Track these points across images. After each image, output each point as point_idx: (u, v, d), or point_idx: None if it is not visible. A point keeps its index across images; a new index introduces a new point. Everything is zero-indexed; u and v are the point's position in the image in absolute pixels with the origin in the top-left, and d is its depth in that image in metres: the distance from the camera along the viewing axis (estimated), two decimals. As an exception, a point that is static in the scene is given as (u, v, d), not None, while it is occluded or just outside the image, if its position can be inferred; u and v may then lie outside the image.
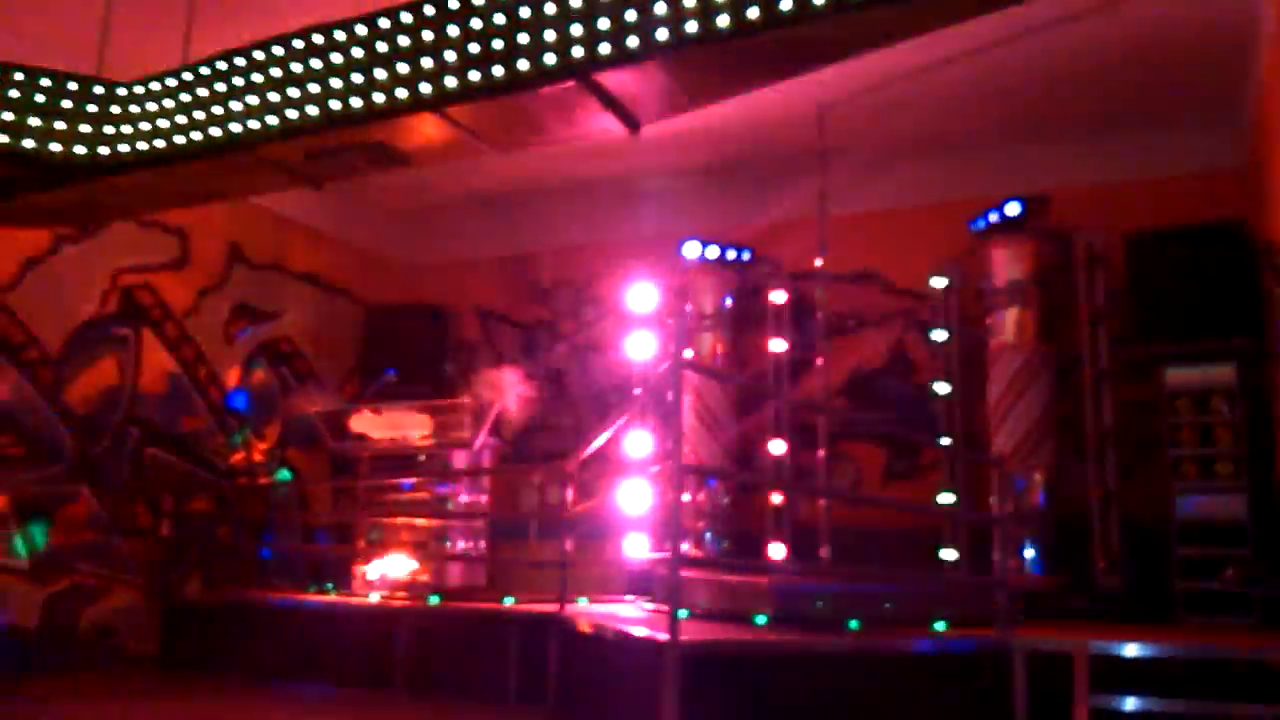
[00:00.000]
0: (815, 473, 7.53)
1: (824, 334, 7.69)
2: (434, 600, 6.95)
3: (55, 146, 5.29)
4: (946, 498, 7.43)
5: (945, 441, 7.50)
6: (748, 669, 4.51)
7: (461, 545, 7.59)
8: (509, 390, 7.90)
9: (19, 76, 5.31)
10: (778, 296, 7.80)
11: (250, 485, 8.33)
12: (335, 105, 4.63)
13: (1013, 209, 7.15)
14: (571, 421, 8.94)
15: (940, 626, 5.31)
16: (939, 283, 7.80)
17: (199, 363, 8.00)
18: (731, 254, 8.00)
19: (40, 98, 5.33)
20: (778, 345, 7.74)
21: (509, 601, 6.75)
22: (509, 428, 8.33)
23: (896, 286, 8.16)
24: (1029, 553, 6.90)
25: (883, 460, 8.03)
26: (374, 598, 7.19)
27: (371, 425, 7.70)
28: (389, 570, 7.45)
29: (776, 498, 7.56)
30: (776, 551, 7.24)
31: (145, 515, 7.48)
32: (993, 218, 7.27)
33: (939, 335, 7.74)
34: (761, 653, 4.62)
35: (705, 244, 7.93)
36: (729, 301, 8.14)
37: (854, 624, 5.17)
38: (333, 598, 7.46)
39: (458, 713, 5.95)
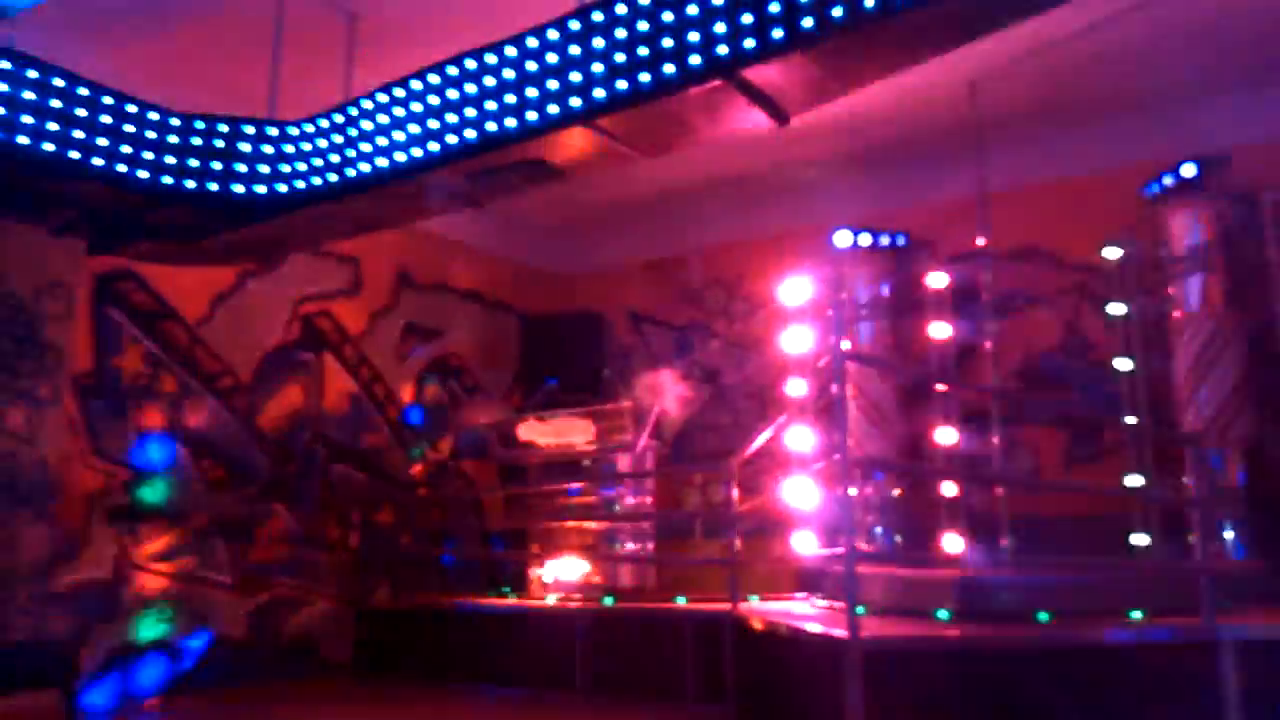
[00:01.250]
0: (990, 461, 7.25)
1: (990, 316, 7.39)
2: (608, 601, 7.09)
3: (238, 188, 5.70)
4: (1135, 480, 7.01)
5: (1131, 421, 7.07)
6: (931, 665, 4.38)
7: (629, 546, 7.70)
8: (667, 392, 7.98)
9: (200, 125, 5.76)
10: (938, 280, 7.55)
11: (428, 496, 8.71)
12: (491, 127, 4.80)
13: (1188, 170, 6.68)
14: (730, 420, 8.93)
15: (1136, 615, 5.01)
16: (1112, 254, 7.35)
17: (376, 382, 8.44)
18: (886, 240, 7.80)
19: (220, 143, 5.76)
20: (941, 331, 7.49)
21: (681, 601, 6.80)
22: (669, 429, 8.42)
23: (1065, 261, 7.76)
24: (1228, 535, 6.43)
25: (1062, 444, 7.66)
26: (550, 600, 7.39)
27: (537, 433, 7.93)
28: (563, 573, 7.64)
29: (950, 489, 7.31)
30: (952, 544, 7.00)
31: (335, 528, 7.94)
32: (1167, 181, 6.81)
33: (1116, 309, 7.30)
34: (946, 648, 4.48)
35: (858, 232, 7.76)
36: (886, 289, 7.94)
37: (1044, 616, 4.94)
38: (511, 601, 7.72)
39: (640, 713, 6.04)
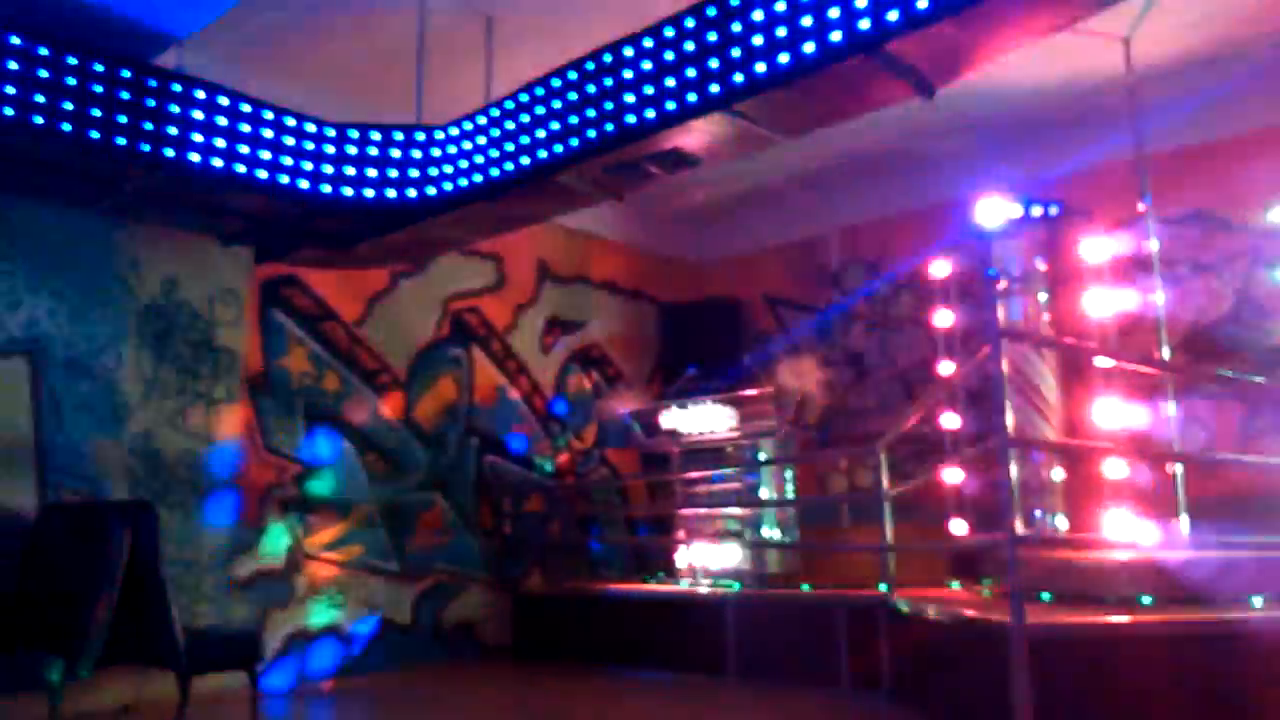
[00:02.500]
0: (1158, 437, 6.85)
1: (1154, 286, 6.98)
2: (757, 587, 7.08)
3: (390, 193, 5.94)
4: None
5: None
6: (1103, 652, 4.20)
7: (776, 532, 7.66)
8: (808, 376, 7.88)
9: (353, 134, 6.02)
10: (1097, 250, 7.18)
11: (575, 484, 8.90)
12: (630, 119, 4.83)
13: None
14: (875, 402, 8.75)
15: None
16: (1283, 215, 6.84)
17: (522, 374, 8.67)
18: (1038, 210, 7.46)
19: (373, 151, 6.01)
20: (1101, 303, 7.13)
21: (831, 587, 6.72)
22: (811, 413, 8.32)
23: (1234, 224, 7.26)
24: None
25: (1237, 418, 7.18)
26: (699, 586, 7.43)
27: (680, 420, 7.96)
28: (710, 559, 7.68)
29: (1116, 469, 6.96)
30: (1118, 526, 6.67)
31: (488, 517, 8.21)
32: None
33: (1291, 273, 6.79)
34: (1120, 635, 4.28)
35: (1007, 202, 7.45)
36: (1039, 262, 7.60)
37: (1258, 600, 4.62)
38: (660, 587, 7.81)
39: (796, 698, 6.02)
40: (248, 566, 6.67)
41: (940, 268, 7.19)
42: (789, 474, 7.79)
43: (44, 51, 5.06)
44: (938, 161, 8.15)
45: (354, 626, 7.19)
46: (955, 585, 6.66)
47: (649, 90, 4.77)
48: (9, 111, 4.92)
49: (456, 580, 7.87)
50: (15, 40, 4.99)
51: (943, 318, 7.25)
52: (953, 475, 6.53)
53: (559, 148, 5.16)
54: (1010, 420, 4.82)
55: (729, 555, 7.60)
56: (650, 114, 4.76)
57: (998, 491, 4.73)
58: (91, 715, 5.41)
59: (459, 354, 8.21)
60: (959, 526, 6.56)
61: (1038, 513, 7.28)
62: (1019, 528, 4.66)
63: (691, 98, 4.63)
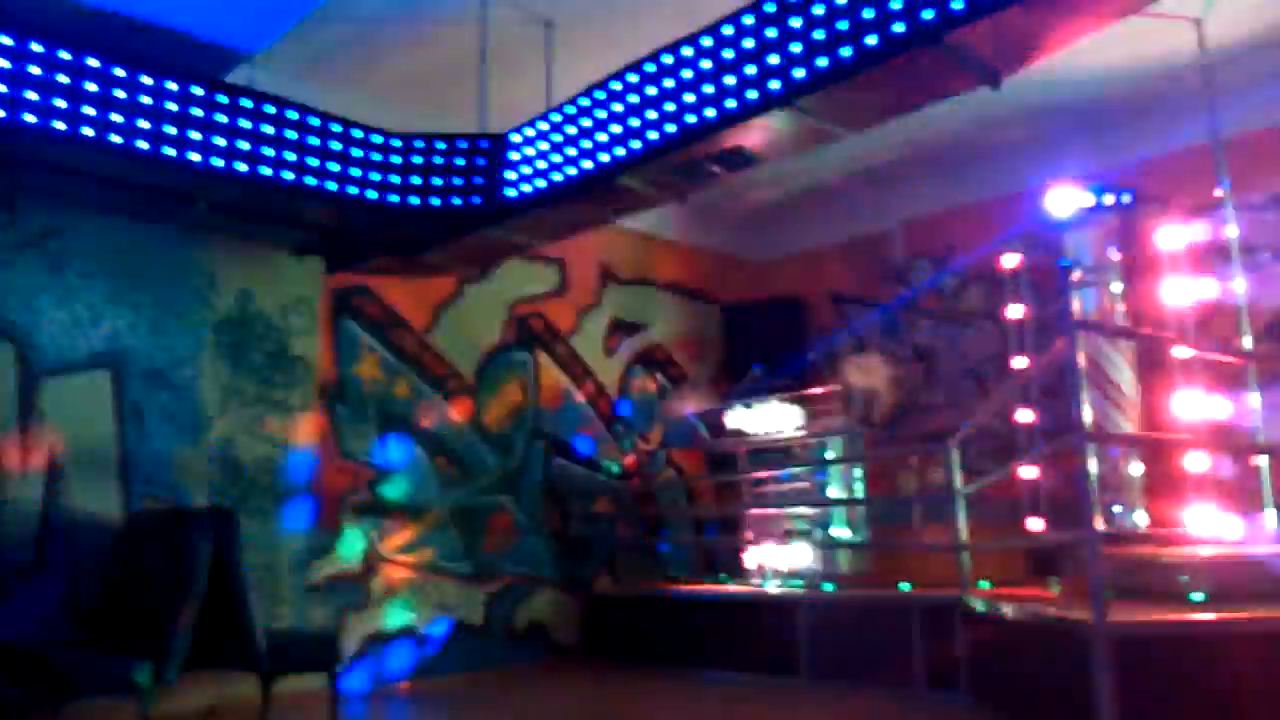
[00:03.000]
0: (1241, 429, 6.62)
1: (1233, 273, 6.75)
2: (828, 588, 7.01)
3: (456, 201, 6.02)
4: None
5: None
6: (1188, 651, 4.07)
7: (846, 532, 7.58)
8: (876, 373, 7.79)
9: (419, 144, 6.12)
10: (1173, 238, 6.97)
11: (642, 485, 8.92)
12: (691, 119, 4.83)
13: None
14: (945, 399, 8.61)
15: None
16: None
17: (587, 377, 8.72)
18: (1110, 198, 7.26)
19: (438, 160, 6.10)
20: (1179, 292, 6.92)
21: (904, 587, 6.63)
22: (880, 411, 8.22)
23: (1319, 207, 6.99)
24: None
25: (1326, 409, 6.89)
26: (769, 587, 7.39)
27: (745, 420, 7.94)
28: (779, 559, 7.63)
29: (1197, 462, 6.74)
30: (1201, 522, 6.46)
31: (557, 519, 8.27)
32: None
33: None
34: (1205, 633, 4.14)
35: (1078, 191, 7.27)
36: (1112, 251, 7.41)
37: None
38: (729, 588, 7.78)
39: (870, 699, 5.95)
40: (325, 570, 6.81)
41: (1010, 260, 7.05)
42: (858, 472, 7.71)
43: (120, 72, 5.23)
44: (1005, 151, 7.98)
45: (428, 628, 7.30)
46: (1050, 583, 6.49)
47: (709, 89, 4.76)
48: (88, 131, 5.10)
49: (527, 582, 7.94)
50: (93, 62, 5.17)
51: (1013, 311, 7.11)
52: (1027, 471, 6.40)
53: (621, 150, 5.18)
54: (1087, 414, 4.70)
55: (798, 555, 7.54)
56: (711, 113, 4.75)
57: (1075, 488, 4.63)
58: (177, 718, 5.55)
59: (524, 358, 8.29)
60: (1035, 524, 6.42)
61: (1117, 508, 7.10)
62: (1099, 524, 4.53)
63: (752, 95, 4.61)
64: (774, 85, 4.51)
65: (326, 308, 7.08)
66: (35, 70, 4.96)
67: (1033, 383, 6.50)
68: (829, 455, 7.65)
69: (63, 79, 5.04)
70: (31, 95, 4.94)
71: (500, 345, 8.14)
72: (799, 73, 4.41)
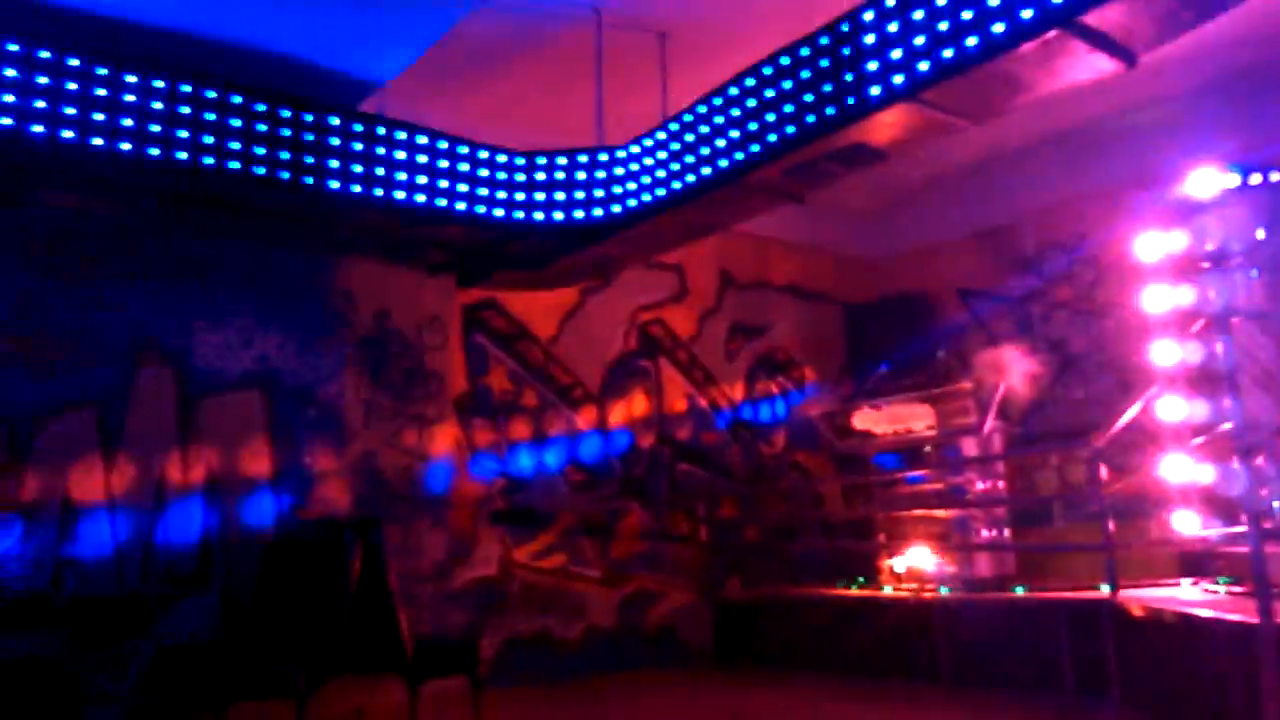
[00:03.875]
0: None
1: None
2: (965, 591, 6.82)
3: (578, 214, 6.14)
4: None
5: None
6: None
7: (984, 533, 7.35)
8: (1010, 369, 7.54)
9: (541, 160, 6.27)
10: (1328, 216, 6.52)
11: (767, 489, 8.87)
12: (810, 119, 4.81)
13: None
14: (1083, 394, 8.26)
15: None
16: None
17: (708, 382, 8.74)
18: (1256, 178, 6.85)
19: (560, 175, 6.24)
20: (1337, 273, 6.46)
21: (1047, 589, 6.40)
22: (1015, 408, 7.95)
23: None
24: None
25: None
26: (905, 590, 7.24)
27: (873, 421, 7.80)
28: (914, 562, 7.46)
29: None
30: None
31: (684, 523, 8.31)
32: None
33: None
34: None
35: (1221, 172, 6.89)
36: (1262, 233, 6.97)
37: None
38: (863, 592, 7.66)
39: (1018, 705, 5.77)
40: (463, 576, 7.03)
41: (1150, 246, 6.71)
42: (995, 472, 7.46)
43: (262, 107, 5.54)
44: (1141, 133, 7.62)
45: (562, 631, 7.43)
46: (1212, 582, 6.16)
47: (828, 88, 4.73)
48: (234, 165, 5.42)
49: (657, 586, 8.00)
50: (237, 99, 5.49)
51: (1155, 299, 6.77)
52: (1176, 467, 6.08)
53: (739, 155, 5.19)
54: (1244, 406, 4.47)
55: (933, 558, 7.36)
56: (831, 112, 4.72)
57: (1231, 484, 4.39)
58: (331, 717, 5.80)
59: (647, 365, 8.37)
60: (1188, 522, 6.09)
61: (1278, 504, 6.69)
62: (1264, 522, 4.29)
63: (875, 91, 4.55)
64: (897, 80, 4.45)
65: (458, 323, 7.32)
66: (185, 110, 5.31)
67: (1179, 374, 6.18)
68: (963, 454, 7.44)
69: (209, 116, 5.37)
70: (182, 133, 5.28)
71: (623, 353, 8.24)
72: (923, 66, 4.33)
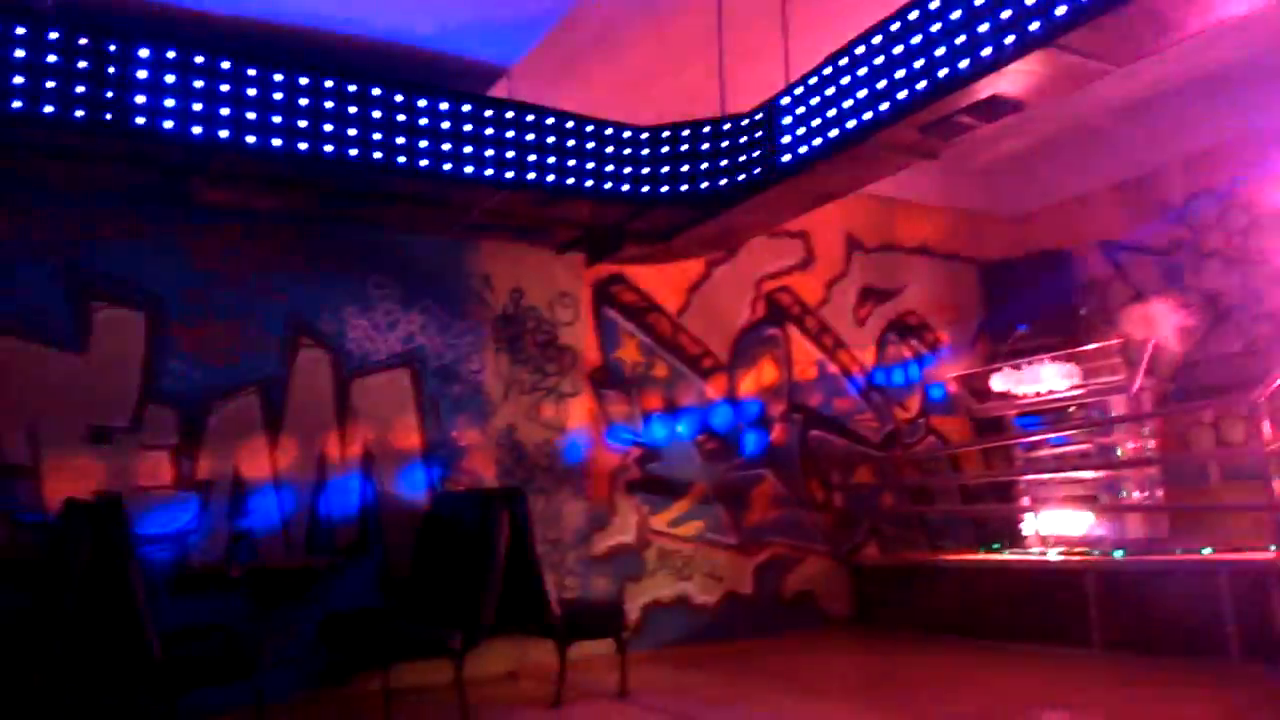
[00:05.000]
0: None
1: None
2: (1118, 554, 6.61)
3: (704, 184, 6.17)
4: None
5: None
6: None
7: (1134, 495, 7.09)
8: (1161, 323, 7.22)
9: (665, 134, 6.32)
10: None
11: (903, 455, 8.76)
12: (942, 72, 4.70)
13: None
14: (1240, 347, 7.82)
15: None
16: None
17: (839, 348, 8.67)
18: None
19: (684, 147, 6.28)
20: None
21: (1206, 552, 6.13)
22: (1166, 364, 7.61)
23: None
24: None
25: None
26: (1051, 555, 7.06)
27: (1013, 382, 7.60)
28: (1060, 526, 7.26)
29: None
30: None
31: (819, 490, 8.30)
32: None
33: None
34: None
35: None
36: None
37: None
38: (1006, 556, 7.50)
39: (1178, 670, 5.58)
40: (603, 543, 7.23)
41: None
42: (1145, 431, 7.17)
43: (400, 98, 5.77)
44: (1300, 66, 7.12)
45: (701, 597, 7.56)
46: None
47: (961, 40, 4.60)
48: (377, 156, 5.67)
49: (793, 552, 8.04)
50: (377, 92, 5.73)
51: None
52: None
53: (868, 114, 5.11)
54: None
55: (1081, 521, 7.15)
56: (964, 64, 4.60)
57: None
58: (484, 679, 6.09)
59: (775, 333, 8.36)
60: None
61: None
62: None
63: (1009, 40, 4.41)
64: (1033, 26, 4.30)
65: (588, 298, 7.48)
66: (329, 104, 5.57)
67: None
68: (1111, 414, 7.17)
69: (352, 109, 5.62)
70: (328, 127, 5.55)
71: (751, 322, 8.25)
72: (1060, 10, 4.17)
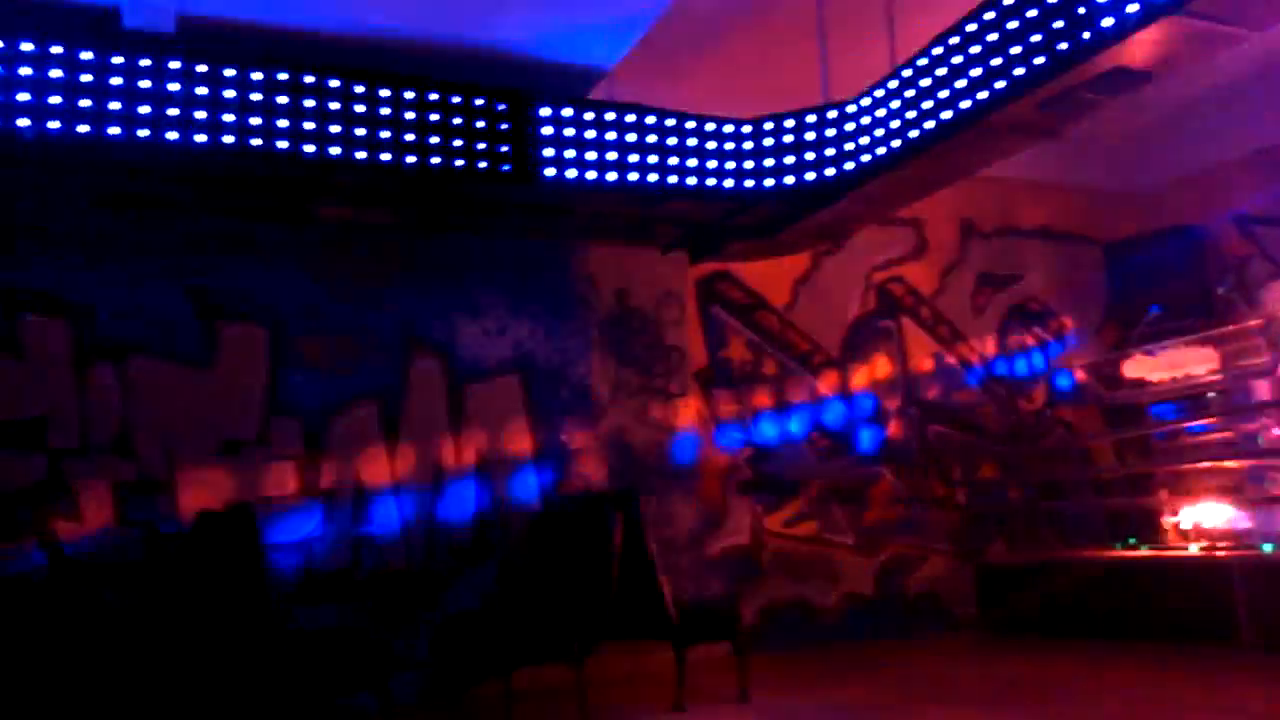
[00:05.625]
0: None
1: None
2: (1267, 548, 6.18)
3: (809, 176, 6.03)
4: None
5: None
6: None
7: (1286, 485, 6.62)
8: (1309, 301, 6.73)
9: (768, 126, 6.21)
10: None
11: (1029, 448, 8.40)
12: (1062, 46, 4.46)
13: None
14: (1402, 322, 7.21)
15: None
16: None
17: (956, 338, 8.38)
18: None
19: (788, 138, 6.15)
20: None
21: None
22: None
23: None
24: None
25: None
26: (1193, 549, 6.65)
27: (1147, 369, 7.21)
28: (1202, 519, 6.84)
29: None
30: None
31: (940, 486, 8.03)
32: None
33: None
34: None
35: None
36: None
37: None
38: (1143, 552, 7.11)
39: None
40: (717, 544, 7.15)
41: None
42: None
43: (503, 107, 5.81)
44: None
45: (820, 598, 7.41)
46: None
47: (1080, 10, 4.35)
48: (483, 165, 5.72)
49: (916, 552, 7.80)
50: (480, 101, 5.79)
51: None
52: None
53: (983, 94, 4.89)
54: None
55: (1224, 514, 6.72)
56: (1086, 35, 4.34)
57: None
58: (604, 682, 6.07)
59: (888, 325, 8.13)
60: None
61: None
62: None
63: (1132, 8, 4.15)
64: (1159, -9, 4.03)
65: (693, 297, 7.42)
66: (434, 117, 5.66)
67: None
68: (1256, 399, 6.72)
69: (456, 121, 5.69)
70: (434, 139, 5.63)
71: (861, 315, 8.04)
72: (1190, -29, 3.90)
